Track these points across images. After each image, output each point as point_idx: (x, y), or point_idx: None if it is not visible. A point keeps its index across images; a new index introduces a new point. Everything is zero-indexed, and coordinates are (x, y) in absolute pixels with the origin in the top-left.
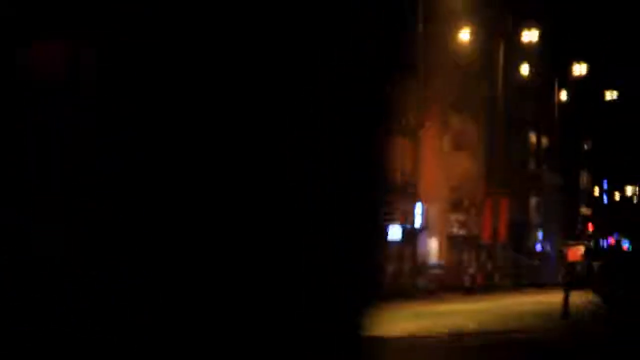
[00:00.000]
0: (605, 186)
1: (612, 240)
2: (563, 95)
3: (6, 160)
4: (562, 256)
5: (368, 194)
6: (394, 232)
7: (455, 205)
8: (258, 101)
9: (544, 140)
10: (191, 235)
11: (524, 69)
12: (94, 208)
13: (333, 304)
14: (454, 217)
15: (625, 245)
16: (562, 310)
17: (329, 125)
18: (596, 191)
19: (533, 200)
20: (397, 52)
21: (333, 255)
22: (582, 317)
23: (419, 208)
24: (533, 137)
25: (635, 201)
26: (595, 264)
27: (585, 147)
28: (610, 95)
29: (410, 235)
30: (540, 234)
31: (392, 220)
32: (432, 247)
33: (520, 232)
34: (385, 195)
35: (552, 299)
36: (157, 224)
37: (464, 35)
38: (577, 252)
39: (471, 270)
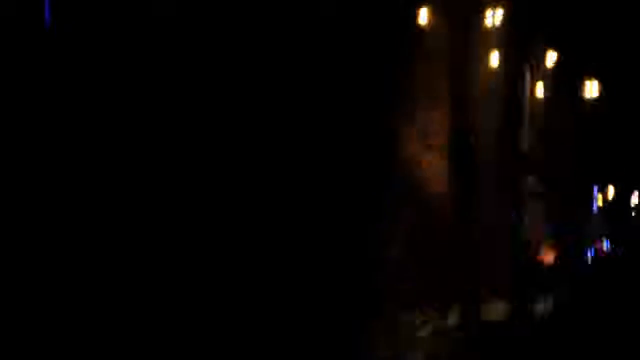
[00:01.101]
0: (595, 192)
1: (600, 246)
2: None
3: (6, 160)
4: None
5: (374, 194)
6: None
7: None
8: (260, 101)
9: (524, 143)
10: (196, 235)
11: (494, 61)
12: (97, 208)
13: (355, 291)
14: None
15: None
16: None
17: (331, 125)
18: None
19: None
20: (397, 51)
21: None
22: None
23: None
24: (510, 138)
25: (622, 205)
26: None
27: (568, 148)
28: (590, 85)
29: None
30: None
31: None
32: None
33: None
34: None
35: None
36: (160, 225)
37: (426, 24)
38: None
39: None
